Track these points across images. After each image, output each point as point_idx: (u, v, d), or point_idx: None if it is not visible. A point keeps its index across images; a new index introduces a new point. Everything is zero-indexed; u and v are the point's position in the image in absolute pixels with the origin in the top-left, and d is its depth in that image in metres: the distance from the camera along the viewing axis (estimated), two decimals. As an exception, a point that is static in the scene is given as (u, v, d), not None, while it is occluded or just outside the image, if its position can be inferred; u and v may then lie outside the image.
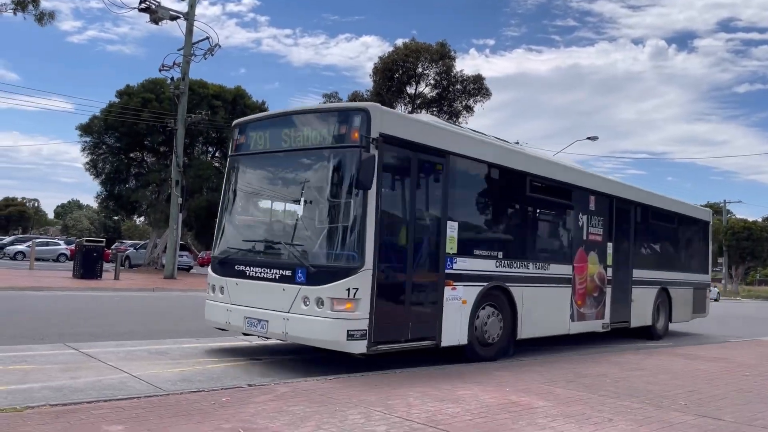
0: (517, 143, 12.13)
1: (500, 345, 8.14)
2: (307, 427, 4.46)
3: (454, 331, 7.30)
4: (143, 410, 4.65)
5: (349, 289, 6.17)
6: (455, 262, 7.34)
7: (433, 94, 39.68)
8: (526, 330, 8.62)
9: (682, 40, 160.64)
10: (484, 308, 7.82)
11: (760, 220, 65.54)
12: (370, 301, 6.27)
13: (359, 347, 6.29)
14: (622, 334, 12.11)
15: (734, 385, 7.48)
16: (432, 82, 39.60)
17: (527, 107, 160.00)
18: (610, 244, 10.76)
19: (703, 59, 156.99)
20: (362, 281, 6.20)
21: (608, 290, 10.67)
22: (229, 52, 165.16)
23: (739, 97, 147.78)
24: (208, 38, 24.29)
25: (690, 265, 14.46)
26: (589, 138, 36.68)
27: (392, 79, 38.62)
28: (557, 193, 9.79)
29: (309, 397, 5.47)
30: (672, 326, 14.10)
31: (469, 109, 39.99)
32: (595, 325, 10.47)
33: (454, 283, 7.30)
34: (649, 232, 12.77)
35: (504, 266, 8.22)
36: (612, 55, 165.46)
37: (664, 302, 12.94)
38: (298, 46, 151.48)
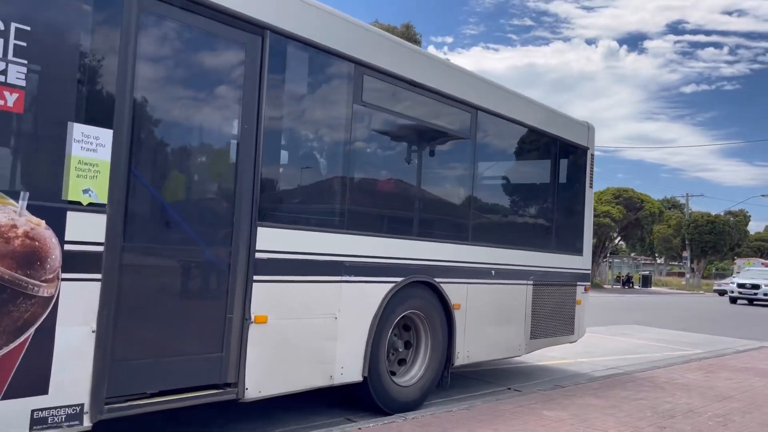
0: None
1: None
2: None
3: None
4: None
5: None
6: None
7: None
8: None
9: (633, 41, 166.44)
10: None
11: (722, 213, 63.43)
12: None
13: None
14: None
15: None
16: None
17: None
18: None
19: (652, 60, 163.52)
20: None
21: (66, 290, 3.31)
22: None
23: (686, 98, 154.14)
24: None
25: (529, 236, 7.32)
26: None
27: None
28: None
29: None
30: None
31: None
32: None
33: None
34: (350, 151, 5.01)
35: None
36: (566, 54, 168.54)
37: (428, 318, 5.74)
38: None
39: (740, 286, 32.59)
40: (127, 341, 3.67)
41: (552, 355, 9.03)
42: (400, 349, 5.74)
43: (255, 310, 4.26)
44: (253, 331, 4.25)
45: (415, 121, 5.67)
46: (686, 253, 60.51)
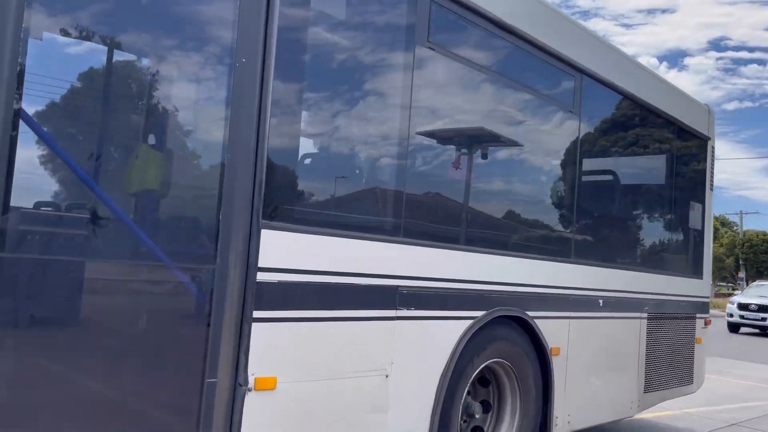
0: None
1: None
2: None
3: None
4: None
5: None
6: None
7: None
8: None
9: (674, 58, 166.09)
10: None
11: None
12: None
13: None
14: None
15: None
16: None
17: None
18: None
19: (693, 77, 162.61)
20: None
21: None
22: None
23: (729, 114, 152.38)
24: None
25: (642, 253, 5.53)
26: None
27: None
28: None
29: None
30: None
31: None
32: None
33: None
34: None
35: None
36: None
37: (517, 369, 3.90)
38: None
39: (742, 307, 20.62)
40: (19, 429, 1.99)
41: (649, 404, 7.10)
42: (477, 415, 3.94)
43: (255, 369, 2.54)
44: (253, 403, 2.53)
45: (503, 81, 3.90)
46: (742, 274, 57.48)
